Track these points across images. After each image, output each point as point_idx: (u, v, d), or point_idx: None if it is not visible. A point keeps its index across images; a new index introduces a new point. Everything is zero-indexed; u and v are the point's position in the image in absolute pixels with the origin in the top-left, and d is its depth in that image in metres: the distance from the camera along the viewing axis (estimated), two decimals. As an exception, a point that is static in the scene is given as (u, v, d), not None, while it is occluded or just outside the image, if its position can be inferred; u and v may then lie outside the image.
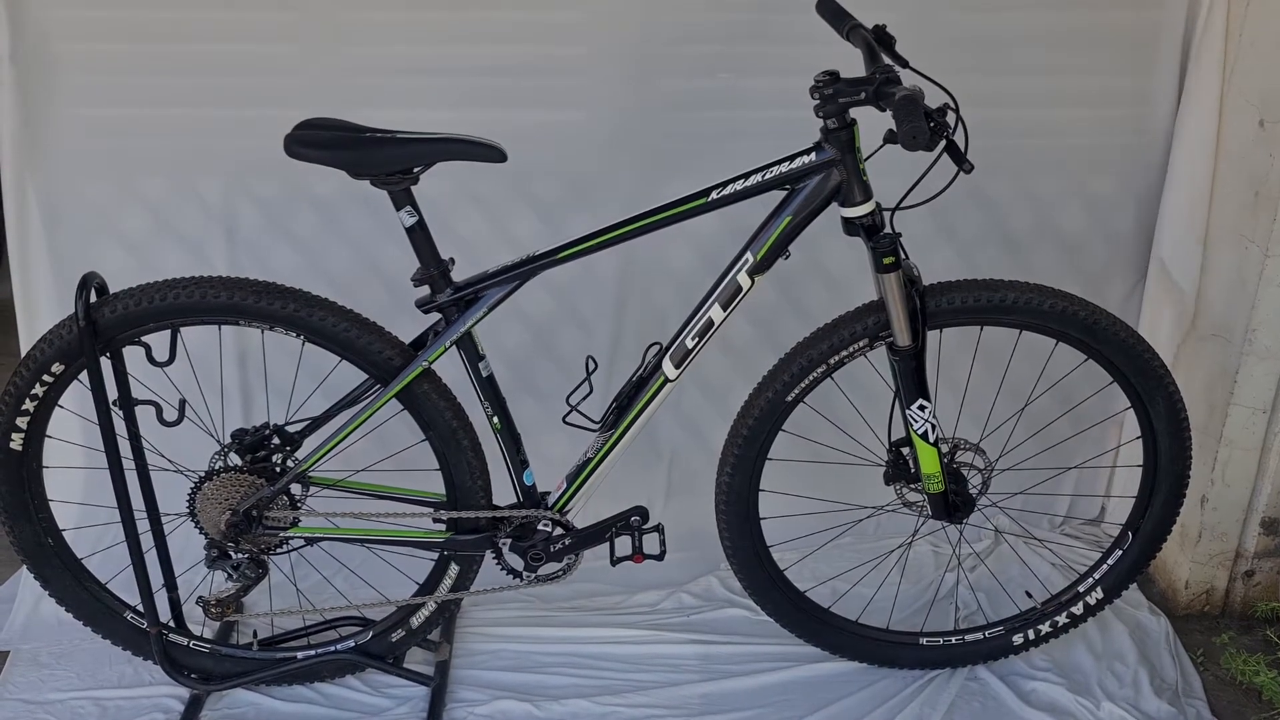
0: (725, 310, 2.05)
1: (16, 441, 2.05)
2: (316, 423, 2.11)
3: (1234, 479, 2.52)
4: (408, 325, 2.11)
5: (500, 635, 2.48)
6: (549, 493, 2.21)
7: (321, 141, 1.93)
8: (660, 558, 2.22)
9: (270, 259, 2.55)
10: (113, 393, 2.04)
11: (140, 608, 2.20)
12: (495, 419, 2.12)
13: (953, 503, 2.19)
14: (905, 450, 2.19)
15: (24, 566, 2.23)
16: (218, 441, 2.11)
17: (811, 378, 2.12)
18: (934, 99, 1.87)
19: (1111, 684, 2.36)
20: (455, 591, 2.23)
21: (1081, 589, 2.37)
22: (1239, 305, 2.40)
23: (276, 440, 2.10)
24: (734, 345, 2.69)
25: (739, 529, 2.24)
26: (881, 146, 1.95)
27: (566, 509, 2.19)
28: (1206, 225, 2.49)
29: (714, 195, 1.98)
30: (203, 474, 2.07)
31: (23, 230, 2.49)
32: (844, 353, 2.10)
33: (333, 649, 2.30)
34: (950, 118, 1.86)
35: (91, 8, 2.37)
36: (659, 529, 2.22)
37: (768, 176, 1.97)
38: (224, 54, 2.42)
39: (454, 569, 2.22)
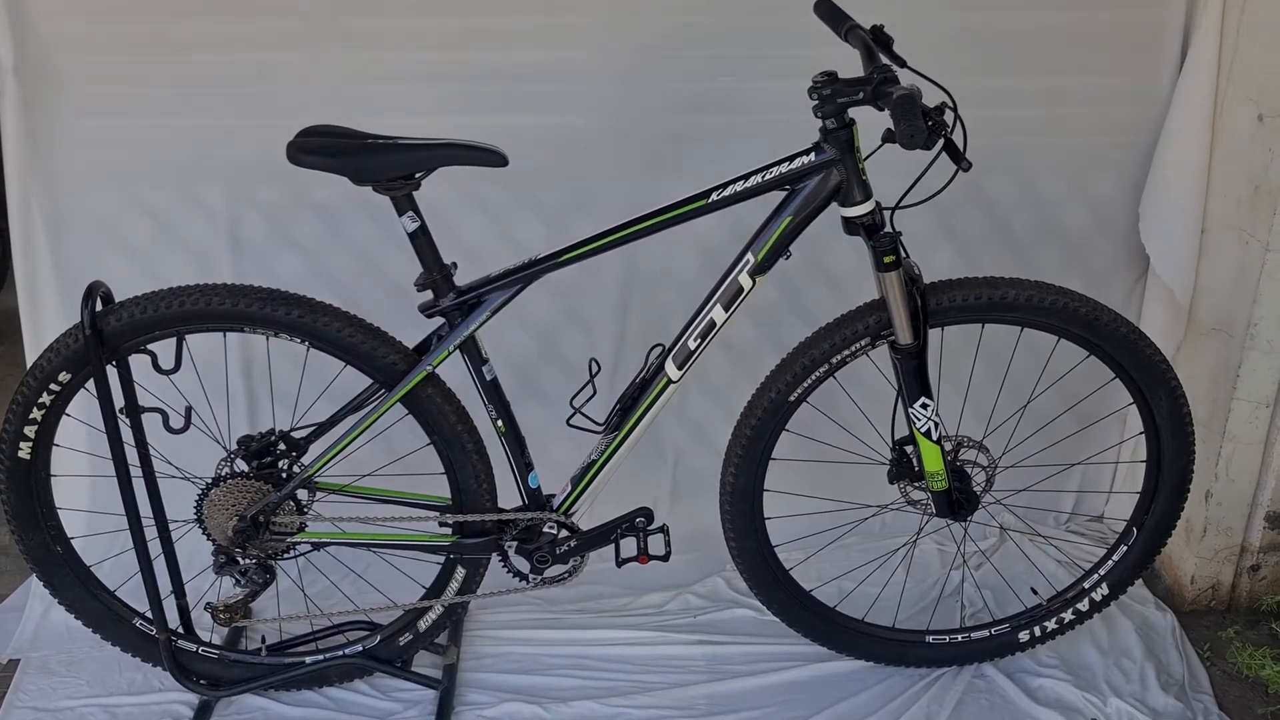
0: (727, 311, 2.06)
1: (25, 450, 2.06)
2: (322, 428, 2.12)
3: (1238, 474, 2.52)
4: (411, 330, 2.11)
5: (507, 638, 2.49)
6: (554, 495, 2.21)
7: (324, 149, 1.94)
8: (665, 558, 2.22)
9: (274, 266, 2.56)
10: (119, 401, 2.05)
11: (149, 614, 2.20)
12: (499, 422, 2.13)
13: (957, 500, 2.20)
14: (909, 448, 2.19)
15: (33, 575, 2.24)
16: (224, 448, 2.12)
17: (814, 377, 2.13)
18: (933, 98, 1.88)
19: (1118, 680, 2.36)
20: (462, 595, 2.24)
21: (1087, 585, 2.37)
22: (1240, 300, 2.41)
23: (282, 446, 2.11)
24: (737, 346, 2.70)
25: (744, 529, 2.24)
26: (880, 146, 1.96)
27: (572, 511, 2.19)
28: (1202, 220, 2.49)
29: (714, 197, 1.99)
30: (210, 480, 2.08)
31: (27, 240, 2.51)
32: (846, 352, 2.11)
33: (341, 653, 2.30)
34: (948, 116, 1.87)
35: (94, 19, 2.39)
36: (664, 530, 2.23)
37: (768, 177, 1.98)
38: (225, 63, 2.44)
39: (460, 572, 2.22)
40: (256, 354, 2.61)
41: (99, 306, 1.99)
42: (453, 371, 2.08)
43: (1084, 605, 2.37)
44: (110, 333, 1.99)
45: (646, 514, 2.21)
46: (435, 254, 2.00)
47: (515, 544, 2.19)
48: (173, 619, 2.25)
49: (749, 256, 2.03)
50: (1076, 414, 2.64)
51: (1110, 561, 2.36)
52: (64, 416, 2.09)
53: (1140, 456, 2.31)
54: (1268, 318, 2.37)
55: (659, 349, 2.13)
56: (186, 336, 2.04)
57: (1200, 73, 2.44)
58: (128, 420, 2.08)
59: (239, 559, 2.12)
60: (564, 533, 2.20)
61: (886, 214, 2.01)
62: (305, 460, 2.12)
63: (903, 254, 2.01)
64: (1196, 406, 2.29)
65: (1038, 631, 2.38)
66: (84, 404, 2.11)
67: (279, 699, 2.31)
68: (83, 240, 2.54)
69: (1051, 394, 2.51)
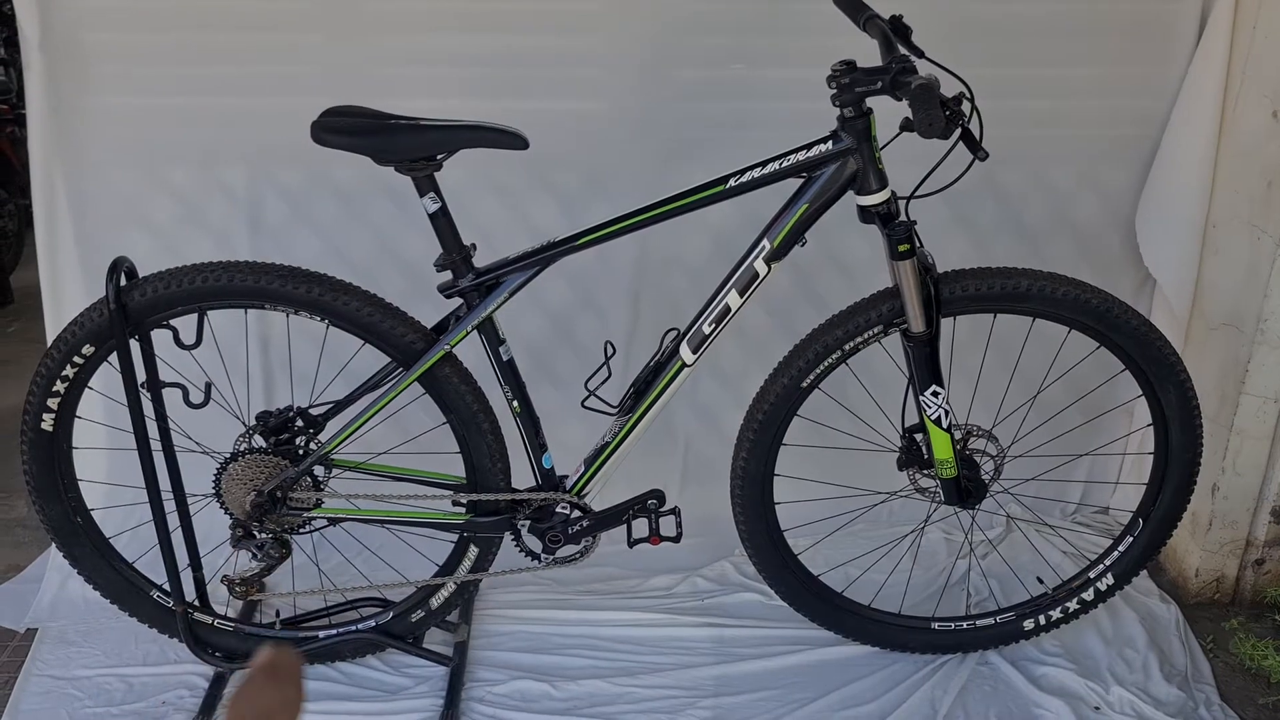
0: (742, 296, 2.07)
1: (48, 422, 2.09)
2: (339, 406, 2.15)
3: (1245, 468, 2.54)
4: (426, 311, 2.14)
5: (518, 617, 2.52)
6: (567, 476, 2.24)
7: (348, 128, 1.96)
8: (677, 539, 2.24)
9: (293, 246, 2.58)
10: (141, 375, 2.08)
11: (166, 586, 2.23)
12: (515, 403, 2.15)
13: (965, 489, 2.22)
14: (918, 436, 2.21)
15: (51, 546, 2.27)
16: (243, 424, 2.14)
17: (826, 364, 2.15)
18: (950, 89, 1.89)
19: (1121, 669, 2.38)
20: (474, 573, 2.27)
21: (1092, 575, 2.39)
22: (1251, 295, 2.42)
23: (300, 423, 2.13)
24: (749, 333, 2.72)
25: (754, 513, 2.27)
26: (898, 135, 1.97)
27: (584, 492, 2.22)
28: (1207, 216, 2.50)
29: (732, 183, 2.01)
30: (228, 455, 2.10)
31: (50, 217, 2.53)
32: (859, 339, 2.13)
33: (354, 629, 2.33)
34: (965, 106, 1.88)
35: (120, -3, 2.41)
36: (675, 511, 2.25)
37: (785, 164, 2.00)
38: (248, 43, 2.46)
39: (473, 551, 2.25)
40: (275, 331, 2.63)
41: (123, 281, 2.02)
42: (469, 353, 2.11)
43: (1089, 595, 2.39)
44: (134, 307, 2.01)
45: (658, 496, 2.23)
46: (455, 235, 2.02)
47: (528, 523, 2.22)
48: (189, 591, 2.28)
49: (765, 243, 2.05)
50: (1085, 405, 2.66)
51: (1116, 552, 2.38)
52: (86, 389, 2.11)
53: (1148, 449, 2.33)
54: (1277, 313, 2.39)
55: (673, 333, 2.15)
56: (208, 313, 2.06)
57: (1208, 70, 2.45)
58: (149, 394, 2.11)
59: (256, 533, 2.15)
60: (576, 513, 2.22)
61: (901, 203, 2.03)
62: (322, 437, 2.14)
63: (917, 243, 2.03)
64: (1205, 400, 2.31)
65: (1042, 620, 2.40)
66: (105, 378, 2.14)
67: (292, 672, 2.34)
68: (104, 217, 2.56)
69: (1061, 385, 2.53)
